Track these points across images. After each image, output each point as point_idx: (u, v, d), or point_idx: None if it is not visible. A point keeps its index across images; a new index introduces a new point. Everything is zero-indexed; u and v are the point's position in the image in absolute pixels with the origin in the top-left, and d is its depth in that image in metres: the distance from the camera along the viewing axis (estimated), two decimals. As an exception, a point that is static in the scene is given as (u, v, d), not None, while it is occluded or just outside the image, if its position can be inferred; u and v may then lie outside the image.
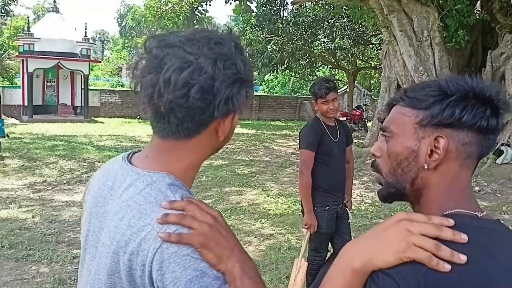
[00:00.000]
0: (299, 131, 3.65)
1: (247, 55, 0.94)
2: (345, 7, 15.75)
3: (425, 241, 0.76)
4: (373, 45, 21.02)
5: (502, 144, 9.68)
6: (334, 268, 0.84)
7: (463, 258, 0.75)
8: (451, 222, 0.79)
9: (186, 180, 0.94)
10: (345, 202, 3.59)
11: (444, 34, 10.14)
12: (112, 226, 0.89)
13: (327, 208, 3.41)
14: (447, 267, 0.74)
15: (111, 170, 0.99)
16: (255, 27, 18.97)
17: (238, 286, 0.83)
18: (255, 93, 30.44)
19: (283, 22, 19.27)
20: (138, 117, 19.89)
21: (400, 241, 0.77)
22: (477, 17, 10.68)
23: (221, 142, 0.96)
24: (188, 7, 16.50)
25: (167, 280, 0.81)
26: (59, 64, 18.64)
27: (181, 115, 0.86)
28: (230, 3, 14.92)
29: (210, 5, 16.16)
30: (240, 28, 21.99)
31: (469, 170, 0.90)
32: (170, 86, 0.84)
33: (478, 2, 11.55)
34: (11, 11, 31.67)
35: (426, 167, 0.87)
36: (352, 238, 3.53)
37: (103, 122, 18.75)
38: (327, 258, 3.57)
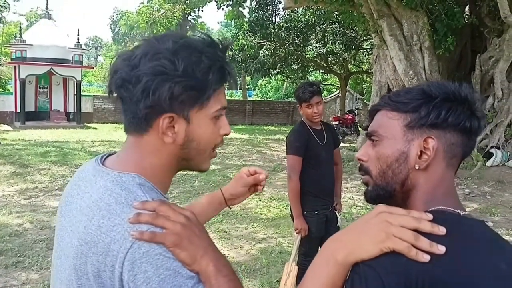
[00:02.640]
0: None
1: (201, 58, 0.89)
2: (336, 13, 15.85)
3: (404, 232, 0.78)
4: (365, 50, 21.16)
5: (492, 147, 9.77)
6: (317, 260, 0.85)
7: (441, 249, 0.77)
8: (430, 216, 0.82)
9: (157, 184, 0.93)
10: (334, 205, 3.58)
11: (434, 38, 10.23)
12: (81, 227, 0.88)
13: (316, 212, 3.40)
14: (426, 257, 0.76)
15: (83, 171, 0.99)
16: (247, 33, 19.06)
17: (213, 285, 0.82)
18: (248, 98, 30.49)
19: (275, 27, 19.37)
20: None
21: (380, 232, 0.79)
22: (466, 21, 10.79)
23: (179, 149, 0.93)
24: (180, 13, 16.52)
25: (139, 281, 0.79)
26: (51, 70, 18.56)
27: (123, 105, 0.91)
28: (222, 9, 14.96)
29: (202, 11, 16.26)
30: (233, 34, 22.05)
31: (453, 169, 0.93)
32: (110, 75, 0.91)
33: (467, 7, 11.68)
34: (4, 17, 31.57)
35: (417, 167, 0.90)
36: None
37: (96, 128, 18.69)
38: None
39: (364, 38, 18.26)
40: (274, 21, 19.94)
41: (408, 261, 0.76)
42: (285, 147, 3.53)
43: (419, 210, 0.86)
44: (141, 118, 0.89)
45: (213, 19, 66.43)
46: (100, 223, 0.84)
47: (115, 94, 0.92)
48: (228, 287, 0.84)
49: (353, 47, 19.88)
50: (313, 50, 20.29)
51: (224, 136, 1.00)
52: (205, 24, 44.49)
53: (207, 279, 0.83)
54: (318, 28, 19.42)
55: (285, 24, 19.49)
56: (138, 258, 0.79)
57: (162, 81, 0.85)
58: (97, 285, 0.84)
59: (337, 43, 19.50)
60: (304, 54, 20.69)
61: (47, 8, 21.09)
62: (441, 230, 0.79)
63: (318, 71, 26.70)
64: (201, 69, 0.87)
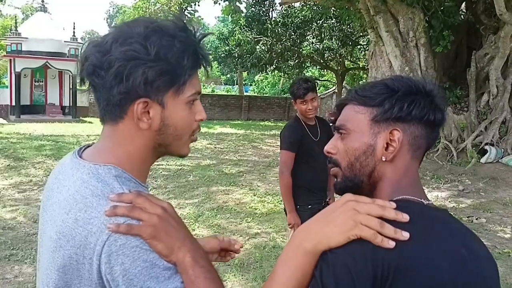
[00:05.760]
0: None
1: (173, 42, 0.88)
2: (333, 8, 15.83)
3: (371, 219, 0.80)
4: (361, 46, 21.16)
5: (486, 144, 9.80)
6: (286, 251, 0.86)
7: (405, 235, 0.79)
8: (393, 204, 0.84)
9: (135, 173, 0.92)
10: (327, 200, 3.60)
11: (430, 34, 10.24)
12: (58, 220, 0.88)
13: (309, 207, 3.40)
14: (391, 243, 0.78)
15: (63, 164, 0.98)
16: (244, 28, 19.03)
17: (191, 276, 0.83)
18: (245, 93, 30.45)
19: (272, 22, 19.36)
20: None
21: (348, 220, 0.81)
22: (462, 18, 10.79)
23: (155, 135, 0.92)
24: (176, 8, 16.47)
25: (116, 273, 0.79)
26: (47, 63, 18.48)
27: (95, 93, 0.91)
28: (219, 4, 14.88)
29: (199, 5, 16.23)
30: (229, 29, 22.00)
31: (418, 161, 0.96)
32: (81, 62, 0.90)
33: (463, 4, 11.69)
34: (-1, 10, 31.36)
35: (384, 159, 0.93)
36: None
37: (91, 122, 18.61)
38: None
39: (361, 34, 18.27)
40: (271, 17, 19.93)
41: (374, 248, 0.78)
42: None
43: (385, 199, 0.88)
44: (115, 105, 0.88)
45: (210, 14, 66.18)
46: (76, 216, 0.84)
47: (86, 82, 0.91)
48: (204, 277, 0.84)
49: (350, 43, 19.89)
50: (309, 45, 20.26)
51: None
52: (202, 19, 44.30)
53: (184, 270, 0.83)
54: (315, 24, 19.40)
55: (281, 20, 19.47)
56: (114, 250, 0.80)
57: (135, 66, 0.84)
58: (76, 277, 0.84)
59: (333, 39, 19.49)
60: (300, 49, 20.67)
61: (43, 1, 20.98)
62: (405, 217, 0.82)
63: (314, 67, 26.69)
64: (174, 54, 0.87)
